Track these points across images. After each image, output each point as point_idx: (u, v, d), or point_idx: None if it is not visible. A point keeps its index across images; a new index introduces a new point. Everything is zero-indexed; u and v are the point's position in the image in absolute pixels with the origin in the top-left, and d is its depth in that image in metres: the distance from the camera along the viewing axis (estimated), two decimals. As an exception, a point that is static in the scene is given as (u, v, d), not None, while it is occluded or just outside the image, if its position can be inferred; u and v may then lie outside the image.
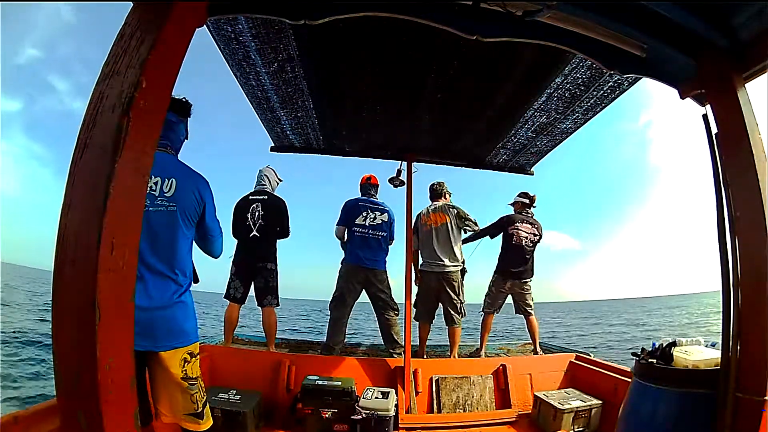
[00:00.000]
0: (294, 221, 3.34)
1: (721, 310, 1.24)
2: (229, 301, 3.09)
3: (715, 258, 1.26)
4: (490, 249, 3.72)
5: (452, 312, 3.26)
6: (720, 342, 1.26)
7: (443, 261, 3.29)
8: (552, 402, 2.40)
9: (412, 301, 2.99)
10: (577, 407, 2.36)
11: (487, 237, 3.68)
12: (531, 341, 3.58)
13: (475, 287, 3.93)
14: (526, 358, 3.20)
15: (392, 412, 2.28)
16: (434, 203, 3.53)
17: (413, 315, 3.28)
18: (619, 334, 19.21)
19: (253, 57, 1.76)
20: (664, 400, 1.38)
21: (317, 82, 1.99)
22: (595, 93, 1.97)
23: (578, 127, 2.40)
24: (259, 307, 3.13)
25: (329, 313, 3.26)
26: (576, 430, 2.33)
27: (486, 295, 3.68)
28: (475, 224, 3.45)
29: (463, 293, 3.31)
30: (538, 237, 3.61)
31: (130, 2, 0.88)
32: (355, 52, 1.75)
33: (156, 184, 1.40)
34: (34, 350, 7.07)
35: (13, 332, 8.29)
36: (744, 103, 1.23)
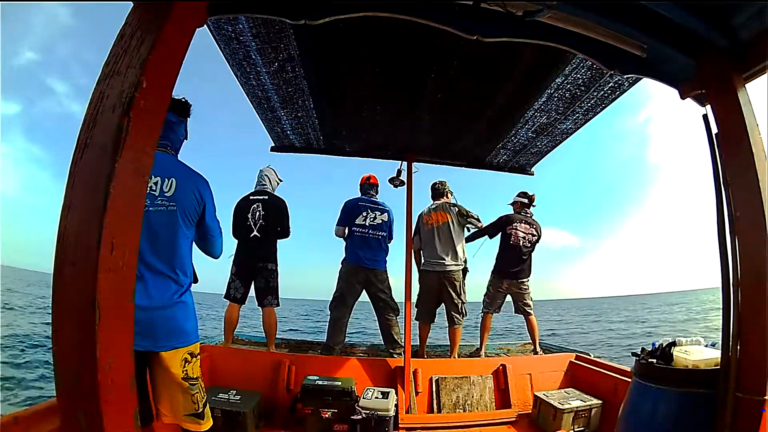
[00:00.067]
0: (294, 221, 3.35)
1: (720, 307, 1.24)
2: (229, 302, 3.09)
3: (714, 255, 1.26)
4: (494, 248, 3.72)
5: (453, 312, 3.26)
6: (720, 342, 1.26)
7: (444, 260, 3.29)
8: (552, 402, 2.41)
9: (412, 301, 3.00)
10: (577, 407, 2.36)
11: (489, 236, 3.69)
12: (531, 341, 3.58)
13: (476, 286, 3.93)
14: (526, 358, 3.21)
15: (392, 412, 2.28)
16: (435, 202, 3.53)
17: (415, 315, 3.28)
18: (619, 331, 19.24)
19: (254, 57, 1.76)
20: (664, 400, 1.38)
21: (317, 81, 1.99)
22: (595, 93, 1.97)
23: (578, 128, 2.40)
24: (260, 308, 3.13)
25: (329, 314, 3.26)
26: (576, 430, 2.33)
27: (485, 295, 3.69)
28: (478, 220, 3.44)
29: (464, 293, 3.31)
30: (536, 237, 3.60)
31: (130, 2, 0.88)
32: (355, 52, 1.75)
33: (156, 183, 1.40)
34: (39, 352, 7.07)
35: (16, 335, 8.29)
36: (744, 103, 1.23)
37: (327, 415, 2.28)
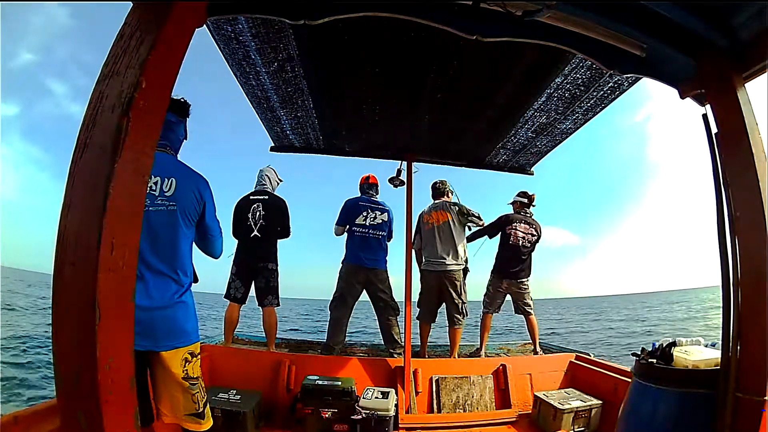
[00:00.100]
0: (294, 221, 3.35)
1: (719, 305, 1.25)
2: (229, 301, 3.09)
3: (714, 253, 1.26)
4: (494, 248, 3.72)
5: (454, 312, 3.26)
6: (720, 342, 1.26)
7: (445, 260, 3.28)
8: (552, 402, 2.41)
9: (413, 301, 3.00)
10: (577, 407, 2.36)
11: (489, 236, 3.69)
12: (531, 341, 3.58)
13: (476, 285, 3.93)
14: (526, 358, 3.20)
15: (392, 412, 2.28)
16: (436, 201, 3.53)
17: (416, 315, 3.28)
18: (619, 329, 19.26)
19: (253, 57, 1.76)
20: (664, 400, 1.38)
21: (317, 81, 1.99)
22: (595, 93, 1.97)
23: (578, 128, 2.40)
24: (260, 307, 3.13)
25: (329, 313, 3.26)
26: (576, 430, 2.33)
27: (484, 295, 3.70)
28: (479, 218, 3.43)
29: (465, 293, 3.30)
30: (536, 237, 3.60)
31: (130, 2, 0.88)
32: (355, 52, 1.75)
33: (156, 183, 1.40)
34: (41, 352, 7.07)
35: (19, 336, 8.30)
36: (744, 103, 1.23)
37: (327, 415, 2.28)
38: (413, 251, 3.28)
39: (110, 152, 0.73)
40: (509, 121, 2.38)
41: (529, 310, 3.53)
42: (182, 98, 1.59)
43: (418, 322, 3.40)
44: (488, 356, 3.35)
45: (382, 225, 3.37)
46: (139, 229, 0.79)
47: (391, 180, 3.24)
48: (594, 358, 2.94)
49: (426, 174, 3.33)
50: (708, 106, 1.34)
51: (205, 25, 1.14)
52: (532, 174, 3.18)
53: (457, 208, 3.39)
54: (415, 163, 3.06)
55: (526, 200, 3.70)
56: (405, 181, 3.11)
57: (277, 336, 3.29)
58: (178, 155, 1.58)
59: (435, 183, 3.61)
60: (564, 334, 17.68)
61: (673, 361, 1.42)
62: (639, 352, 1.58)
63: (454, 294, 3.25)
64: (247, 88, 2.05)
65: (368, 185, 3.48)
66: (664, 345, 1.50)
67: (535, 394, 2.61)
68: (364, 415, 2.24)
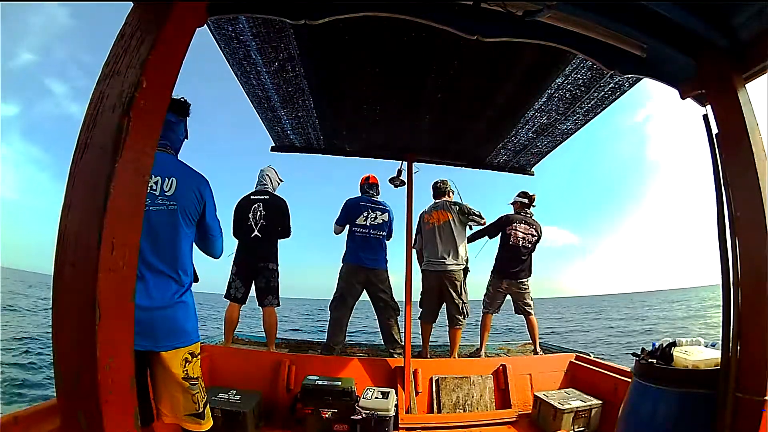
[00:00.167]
0: (294, 221, 3.35)
1: (719, 304, 1.25)
2: (229, 301, 3.09)
3: (713, 252, 1.26)
4: (495, 248, 3.72)
5: (455, 313, 3.25)
6: (720, 342, 1.26)
7: (445, 260, 3.28)
8: (552, 402, 2.41)
9: (413, 301, 3.00)
10: (577, 407, 2.36)
11: (489, 237, 3.69)
12: (531, 341, 3.58)
13: (476, 285, 3.93)
14: (526, 358, 3.20)
15: (392, 412, 2.28)
16: (436, 201, 3.53)
17: (418, 315, 3.28)
18: (619, 328, 19.27)
19: (254, 56, 1.76)
20: (664, 400, 1.38)
21: (317, 81, 1.99)
22: (595, 94, 1.97)
23: (579, 128, 2.40)
24: (260, 307, 3.13)
25: (330, 314, 3.26)
26: (576, 430, 2.33)
27: (484, 295, 3.70)
28: (480, 217, 3.42)
29: (465, 293, 3.30)
30: (536, 237, 3.60)
31: (130, 2, 0.88)
32: (355, 52, 1.75)
33: (156, 183, 1.40)
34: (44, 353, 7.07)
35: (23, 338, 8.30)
36: (744, 103, 1.23)
37: (327, 415, 2.28)
38: (414, 251, 3.28)
39: (111, 152, 0.73)
40: (510, 122, 2.38)
41: (529, 311, 3.53)
42: (182, 98, 1.59)
43: (420, 321, 3.40)
44: (488, 356, 3.35)
45: (383, 225, 3.37)
46: (140, 229, 0.79)
47: (391, 180, 3.24)
48: (594, 359, 2.94)
49: (426, 174, 3.33)
50: (708, 107, 1.34)
51: (205, 25, 1.14)
52: (533, 174, 3.18)
53: (457, 208, 3.39)
54: (415, 163, 3.06)
55: (526, 200, 3.70)
56: (405, 181, 3.11)
57: (277, 336, 3.29)
58: (178, 155, 1.58)
59: (436, 182, 3.61)
60: (564, 333, 17.69)
61: (673, 361, 1.42)
62: (639, 352, 1.58)
63: (454, 294, 3.25)
64: (248, 88, 2.05)
65: (369, 185, 3.48)
66: (664, 345, 1.50)
67: (535, 394, 2.61)
68: (364, 415, 2.24)
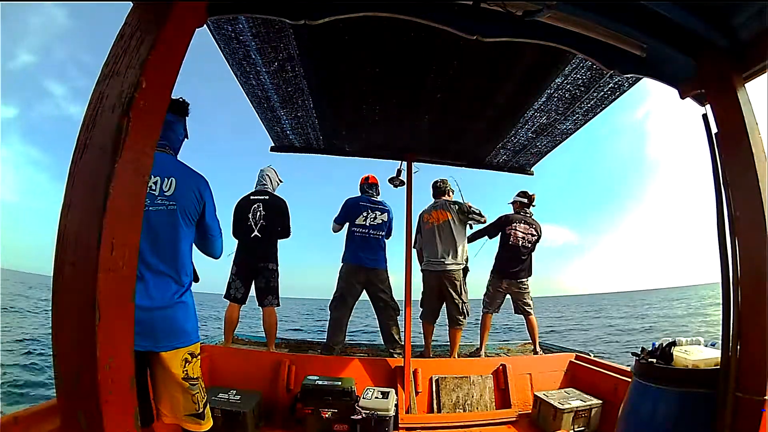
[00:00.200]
0: (294, 221, 3.35)
1: (719, 302, 1.25)
2: (229, 302, 3.09)
3: (713, 250, 1.26)
4: (494, 247, 3.72)
5: (455, 313, 3.25)
6: (720, 342, 1.26)
7: (445, 259, 3.28)
8: (552, 402, 2.41)
9: (413, 301, 3.00)
10: (577, 407, 2.36)
11: (488, 236, 3.69)
12: (531, 341, 3.58)
13: (476, 285, 3.93)
14: (526, 358, 3.20)
15: (392, 412, 2.28)
16: (436, 201, 3.53)
17: (419, 314, 3.27)
18: (619, 327, 19.28)
19: (254, 56, 1.76)
20: (664, 400, 1.38)
21: (317, 81, 1.99)
22: (595, 94, 1.97)
23: (578, 128, 2.40)
24: (260, 307, 3.13)
25: (330, 314, 3.26)
26: (576, 430, 2.33)
27: (484, 295, 3.70)
28: (480, 215, 3.41)
29: (465, 293, 3.30)
30: (536, 237, 3.60)
31: (130, 2, 0.88)
32: (355, 52, 1.75)
33: (156, 183, 1.40)
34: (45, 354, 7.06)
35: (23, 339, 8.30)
36: (744, 103, 1.23)
37: (327, 415, 2.28)
38: (414, 251, 3.27)
39: (110, 152, 0.73)
40: (509, 122, 2.38)
41: (529, 310, 3.53)
42: (181, 98, 1.59)
43: (421, 321, 3.40)
44: (488, 356, 3.35)
45: (382, 225, 3.37)
46: (139, 229, 0.79)
47: (391, 180, 3.24)
48: (594, 358, 2.94)
49: (426, 174, 3.32)
50: (708, 106, 1.34)
51: (205, 25, 1.14)
52: (532, 174, 3.18)
53: (457, 207, 3.39)
54: (415, 163, 3.06)
55: (526, 200, 3.70)
56: (405, 181, 3.11)
57: (277, 336, 3.29)
58: (178, 155, 1.58)
59: (435, 182, 3.61)
60: (563, 331, 17.70)
61: (673, 361, 1.42)
62: (639, 352, 1.58)
63: (454, 294, 3.25)
64: (248, 88, 2.05)
65: (368, 185, 3.48)
66: (664, 344, 1.50)
67: (535, 393, 2.61)
68: (364, 415, 2.24)
